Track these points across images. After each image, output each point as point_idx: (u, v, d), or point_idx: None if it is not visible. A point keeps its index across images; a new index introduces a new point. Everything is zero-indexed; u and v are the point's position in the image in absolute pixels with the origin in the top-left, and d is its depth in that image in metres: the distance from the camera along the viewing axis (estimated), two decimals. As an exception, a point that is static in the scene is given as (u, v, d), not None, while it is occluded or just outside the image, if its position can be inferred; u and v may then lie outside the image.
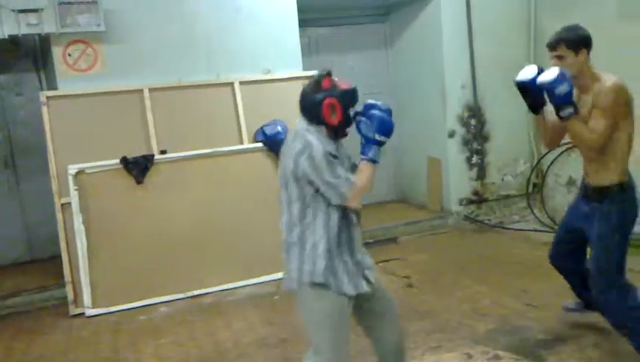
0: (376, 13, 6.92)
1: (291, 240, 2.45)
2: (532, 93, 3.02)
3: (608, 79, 2.91)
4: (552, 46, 3.03)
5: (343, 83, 2.46)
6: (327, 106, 2.38)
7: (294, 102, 5.51)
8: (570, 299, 3.66)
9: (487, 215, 6.39)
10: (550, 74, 2.82)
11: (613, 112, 2.85)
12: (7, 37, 4.62)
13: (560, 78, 2.78)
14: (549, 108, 3.02)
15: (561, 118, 2.88)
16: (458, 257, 5.29)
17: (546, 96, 2.93)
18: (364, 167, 2.44)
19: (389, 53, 7.06)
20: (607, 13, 5.36)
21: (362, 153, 2.45)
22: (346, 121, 2.44)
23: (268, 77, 5.48)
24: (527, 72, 2.99)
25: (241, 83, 5.34)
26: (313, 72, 5.49)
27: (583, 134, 2.89)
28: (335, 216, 2.41)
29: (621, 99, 2.88)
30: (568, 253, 3.37)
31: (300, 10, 5.60)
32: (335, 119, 2.41)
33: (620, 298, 2.98)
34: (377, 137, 2.42)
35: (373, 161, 2.44)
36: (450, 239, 5.93)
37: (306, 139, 2.36)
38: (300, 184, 2.36)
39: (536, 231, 5.88)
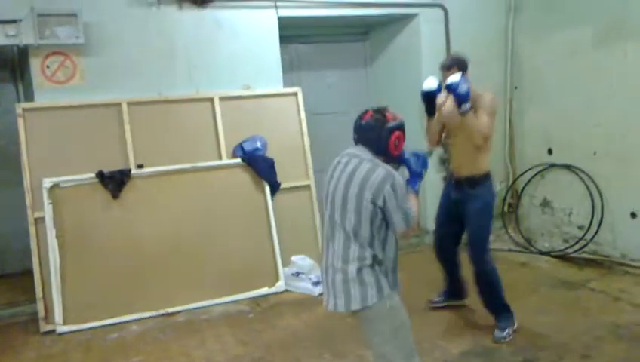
0: (357, 32, 6.98)
1: (354, 260, 2.58)
2: (432, 101, 4.04)
3: (486, 91, 4.02)
4: (448, 67, 3.97)
5: (398, 116, 2.76)
6: (395, 139, 2.65)
7: (274, 118, 5.62)
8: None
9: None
10: (455, 77, 3.73)
11: (492, 113, 3.88)
12: (-17, 48, 4.58)
13: (462, 80, 3.71)
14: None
15: (462, 111, 3.76)
16: (434, 276, 5.28)
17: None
18: (414, 198, 2.74)
19: (369, 71, 7.11)
20: (583, 39, 5.48)
21: (412, 185, 2.80)
22: (403, 152, 2.77)
23: (248, 93, 5.49)
24: (431, 83, 3.95)
25: (221, 98, 5.34)
26: (294, 89, 5.60)
27: (475, 124, 3.81)
28: (394, 239, 2.68)
29: (494, 106, 3.96)
30: (450, 245, 4.29)
31: (281, 27, 5.63)
32: (398, 151, 2.69)
33: (490, 259, 3.98)
34: (423, 172, 2.85)
35: (417, 193, 2.82)
36: (426, 258, 5.92)
37: (386, 169, 2.59)
38: (375, 209, 2.55)
39: (510, 251, 5.94)
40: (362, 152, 2.68)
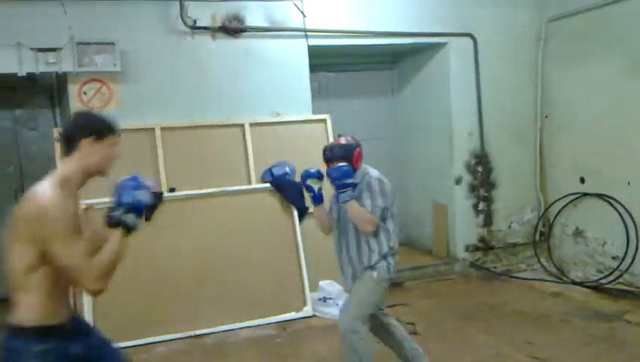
0: (385, 61, 7.06)
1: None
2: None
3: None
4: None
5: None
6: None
7: (303, 143, 5.67)
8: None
9: (493, 262, 6.35)
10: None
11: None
12: (25, 75, 4.74)
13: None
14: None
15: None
16: (463, 305, 5.23)
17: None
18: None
19: (396, 99, 7.17)
20: (612, 69, 5.45)
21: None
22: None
23: (277, 119, 5.57)
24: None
25: (252, 124, 5.43)
26: (323, 116, 5.66)
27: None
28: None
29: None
30: None
31: (311, 55, 5.73)
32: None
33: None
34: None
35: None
36: (455, 286, 5.88)
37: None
38: None
39: (543, 281, 5.82)
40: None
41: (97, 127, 2.21)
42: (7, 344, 2.07)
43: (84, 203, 2.37)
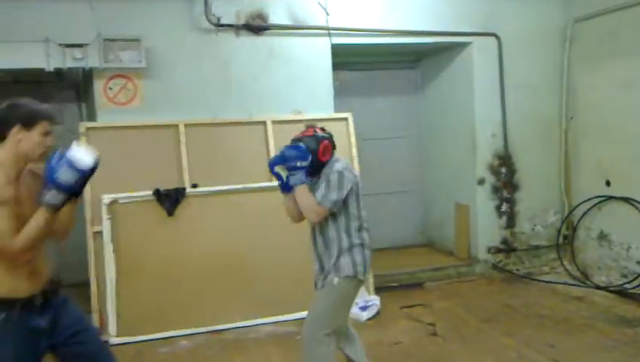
0: (408, 60, 7.03)
1: None
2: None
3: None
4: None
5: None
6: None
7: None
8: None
9: (515, 265, 6.29)
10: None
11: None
12: (52, 70, 4.82)
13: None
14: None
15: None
16: (485, 307, 5.18)
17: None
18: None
19: (419, 98, 7.13)
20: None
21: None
22: None
23: (299, 117, 5.58)
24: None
25: (274, 122, 5.44)
26: (345, 114, 5.66)
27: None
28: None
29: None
30: None
31: (333, 54, 5.73)
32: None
33: None
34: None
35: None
36: (477, 287, 5.83)
37: None
38: None
39: (566, 284, 5.75)
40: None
41: (25, 116, 2.30)
42: None
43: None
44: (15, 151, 2.30)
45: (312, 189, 3.08)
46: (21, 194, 2.30)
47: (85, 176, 2.28)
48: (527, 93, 6.24)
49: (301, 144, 3.05)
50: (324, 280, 3.12)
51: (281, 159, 3.05)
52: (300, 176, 3.01)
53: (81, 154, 2.26)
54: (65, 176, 2.22)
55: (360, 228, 3.14)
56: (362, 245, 3.13)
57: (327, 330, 3.02)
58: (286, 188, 3.15)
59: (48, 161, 2.26)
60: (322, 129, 3.21)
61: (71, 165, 2.22)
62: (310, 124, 3.26)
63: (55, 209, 2.25)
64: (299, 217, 3.26)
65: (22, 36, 4.72)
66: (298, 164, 3.00)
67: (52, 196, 2.23)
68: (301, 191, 3.03)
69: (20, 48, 4.71)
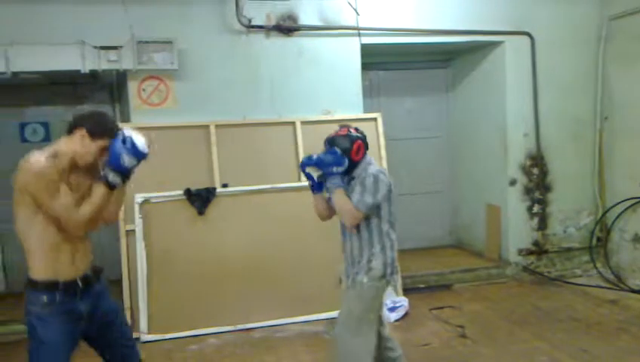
0: (439, 59, 6.98)
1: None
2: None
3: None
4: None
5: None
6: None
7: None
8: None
9: (547, 267, 6.19)
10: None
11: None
12: (88, 71, 4.93)
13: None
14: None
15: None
16: (515, 309, 5.12)
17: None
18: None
19: (450, 98, 7.07)
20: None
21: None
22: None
23: (328, 117, 5.59)
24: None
25: (303, 123, 5.47)
26: (374, 114, 5.65)
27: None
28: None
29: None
30: None
31: (363, 53, 5.72)
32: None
33: None
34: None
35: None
36: (507, 290, 5.75)
37: None
38: None
39: (599, 287, 5.64)
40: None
41: (96, 125, 2.48)
42: (27, 295, 2.50)
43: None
44: (72, 148, 2.48)
45: (346, 190, 3.12)
46: (71, 186, 2.47)
47: (140, 161, 2.49)
48: (561, 93, 6.13)
49: (337, 149, 3.10)
50: (354, 279, 3.16)
51: (318, 163, 3.12)
52: (337, 180, 3.09)
53: (139, 141, 2.46)
54: (126, 160, 2.43)
55: (390, 231, 3.19)
56: (392, 247, 3.18)
57: (361, 331, 3.07)
58: (316, 188, 3.26)
59: (112, 144, 2.44)
60: (356, 129, 3.25)
61: (133, 151, 2.43)
62: (345, 124, 3.30)
63: (114, 188, 2.46)
64: (327, 216, 3.38)
65: (58, 39, 4.84)
66: (334, 169, 3.07)
67: (113, 177, 2.44)
68: (338, 196, 3.09)
69: (57, 51, 4.83)
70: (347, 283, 3.23)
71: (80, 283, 2.51)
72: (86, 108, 2.59)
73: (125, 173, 2.47)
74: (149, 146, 2.50)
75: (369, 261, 3.13)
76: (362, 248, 3.17)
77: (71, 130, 2.50)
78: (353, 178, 3.17)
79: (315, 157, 3.16)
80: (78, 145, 2.48)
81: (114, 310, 2.72)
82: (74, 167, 2.51)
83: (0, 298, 5.88)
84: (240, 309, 4.89)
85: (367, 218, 3.11)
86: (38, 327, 2.43)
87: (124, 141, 2.42)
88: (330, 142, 3.19)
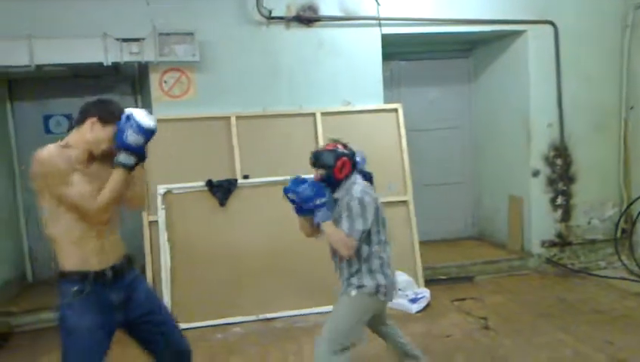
0: (461, 49, 6.90)
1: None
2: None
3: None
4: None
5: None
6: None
7: (373, 133, 5.64)
8: None
9: (570, 259, 6.11)
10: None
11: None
12: (110, 64, 4.97)
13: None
14: None
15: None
16: (538, 301, 5.07)
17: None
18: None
19: (472, 88, 6.99)
20: None
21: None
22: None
23: (349, 108, 5.58)
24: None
25: (323, 114, 5.46)
26: (394, 105, 5.61)
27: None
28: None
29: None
30: None
31: (383, 44, 5.68)
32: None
33: None
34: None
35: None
36: (530, 282, 5.70)
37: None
38: None
39: (624, 279, 5.55)
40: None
41: (106, 113, 2.49)
42: (58, 286, 2.49)
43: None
44: (85, 138, 2.49)
45: (332, 209, 3.04)
46: (90, 175, 2.48)
47: (148, 137, 2.46)
48: (585, 82, 6.03)
49: (311, 179, 3.03)
50: (346, 288, 3.10)
51: (300, 198, 3.00)
52: (323, 213, 2.98)
53: (143, 117, 2.45)
54: (133, 137, 2.41)
55: (381, 250, 3.09)
56: (382, 267, 3.08)
57: (342, 345, 2.97)
58: (300, 211, 3.12)
59: (117, 124, 2.44)
60: (345, 145, 3.16)
61: (137, 127, 2.41)
62: (335, 139, 3.22)
63: (128, 169, 2.45)
64: (312, 235, 3.30)
65: (81, 32, 4.89)
66: (318, 202, 2.97)
67: (124, 157, 2.43)
68: (328, 228, 3.01)
69: (80, 44, 4.88)
70: (340, 288, 3.17)
71: (109, 273, 2.51)
72: (93, 99, 2.64)
73: (136, 152, 2.45)
74: (154, 121, 2.48)
75: (360, 279, 3.05)
76: (351, 271, 3.08)
77: (81, 121, 2.51)
78: (337, 199, 3.07)
79: (299, 188, 3.00)
80: (89, 134, 2.49)
81: (150, 300, 2.70)
82: (92, 157, 2.52)
83: (27, 287, 5.98)
84: (262, 299, 4.92)
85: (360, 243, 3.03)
86: (68, 317, 2.45)
87: (127, 118, 2.42)
88: (316, 155, 3.10)
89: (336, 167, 3.03)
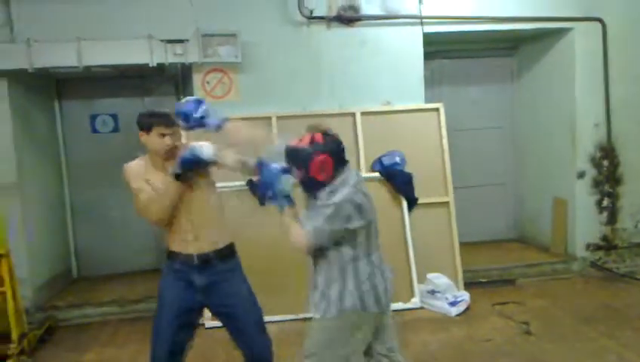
0: (504, 47, 6.77)
1: None
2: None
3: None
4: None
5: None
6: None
7: (414, 133, 5.60)
8: None
9: (616, 263, 5.94)
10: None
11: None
12: (156, 65, 5.09)
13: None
14: None
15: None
16: (582, 306, 4.96)
17: None
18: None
19: (515, 87, 6.86)
20: None
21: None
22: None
23: (389, 108, 5.55)
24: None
25: (363, 113, 5.45)
26: (436, 105, 5.55)
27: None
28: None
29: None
30: None
31: (425, 42, 5.64)
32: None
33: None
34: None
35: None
36: (574, 286, 5.57)
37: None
38: None
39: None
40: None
41: (144, 123, 2.87)
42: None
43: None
44: (148, 149, 2.93)
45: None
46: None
47: (199, 162, 2.78)
48: (634, 81, 5.85)
49: (274, 167, 2.61)
50: (323, 307, 2.65)
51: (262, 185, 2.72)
52: (282, 201, 2.63)
53: (201, 147, 2.78)
54: (191, 154, 2.76)
55: (368, 260, 2.68)
56: (370, 278, 2.65)
57: None
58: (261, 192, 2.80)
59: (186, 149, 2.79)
60: (324, 135, 2.60)
61: (192, 153, 2.76)
62: (313, 127, 2.67)
63: (175, 177, 2.78)
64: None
65: (127, 34, 5.02)
66: (278, 190, 2.65)
67: (176, 167, 2.78)
68: (284, 216, 2.68)
69: (126, 45, 5.01)
70: (314, 310, 2.72)
71: (196, 259, 2.93)
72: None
73: (186, 166, 2.78)
74: (212, 153, 2.82)
75: (341, 297, 2.60)
76: (330, 281, 2.65)
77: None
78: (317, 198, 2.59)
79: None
80: (147, 145, 2.90)
81: (238, 298, 3.05)
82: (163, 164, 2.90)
83: (72, 282, 6.19)
84: (300, 299, 4.94)
85: (338, 247, 2.61)
86: (160, 285, 3.00)
87: (188, 148, 2.78)
88: (288, 153, 2.61)
89: (310, 170, 2.51)
